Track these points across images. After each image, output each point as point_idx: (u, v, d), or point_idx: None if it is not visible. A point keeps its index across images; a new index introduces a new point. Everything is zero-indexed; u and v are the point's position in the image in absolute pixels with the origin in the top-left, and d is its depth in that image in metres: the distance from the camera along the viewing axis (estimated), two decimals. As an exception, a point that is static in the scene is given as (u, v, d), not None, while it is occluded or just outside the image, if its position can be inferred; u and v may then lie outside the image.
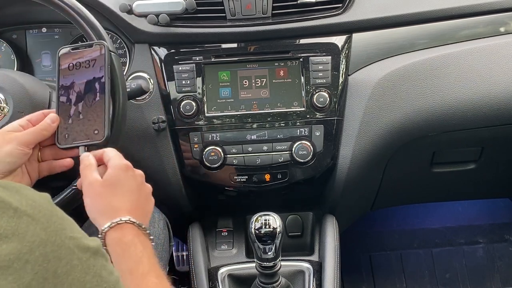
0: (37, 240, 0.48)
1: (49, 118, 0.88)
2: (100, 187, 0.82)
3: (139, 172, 0.88)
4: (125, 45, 1.27)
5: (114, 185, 0.83)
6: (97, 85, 0.89)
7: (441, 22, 1.27)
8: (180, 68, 1.22)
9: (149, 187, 0.89)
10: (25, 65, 1.33)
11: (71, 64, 0.92)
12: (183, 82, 1.22)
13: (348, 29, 1.24)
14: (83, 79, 0.90)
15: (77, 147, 0.88)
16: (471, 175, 1.49)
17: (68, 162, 0.92)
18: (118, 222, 0.79)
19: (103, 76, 0.89)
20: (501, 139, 1.37)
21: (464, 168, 1.47)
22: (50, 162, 0.91)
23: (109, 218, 0.79)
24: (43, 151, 0.90)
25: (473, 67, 1.24)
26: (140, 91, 1.16)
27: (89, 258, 0.54)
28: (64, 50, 0.93)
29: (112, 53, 0.98)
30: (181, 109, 1.21)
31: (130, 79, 1.23)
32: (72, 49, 0.93)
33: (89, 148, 0.89)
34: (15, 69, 1.30)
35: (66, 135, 0.89)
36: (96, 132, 0.88)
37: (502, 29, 1.28)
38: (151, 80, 1.23)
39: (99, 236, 0.79)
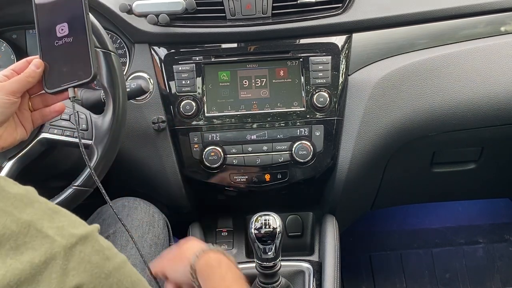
0: (7, 232, 0.48)
1: (33, 64, 0.86)
2: (168, 253, 0.91)
3: None
4: (125, 45, 1.27)
5: (179, 248, 0.89)
6: (77, 24, 0.87)
7: (441, 22, 1.27)
8: (180, 68, 1.22)
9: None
10: (25, 65, 1.32)
11: (48, 7, 0.89)
12: (183, 82, 1.22)
13: (348, 29, 1.24)
14: (62, 19, 0.88)
15: (66, 89, 0.86)
16: (471, 175, 1.49)
17: (59, 106, 0.91)
18: (204, 250, 0.83)
19: (82, 13, 0.87)
20: (501, 139, 1.37)
21: (464, 168, 1.47)
22: (42, 110, 0.91)
23: (193, 254, 0.83)
24: (33, 100, 0.90)
25: (473, 67, 1.24)
26: (140, 91, 1.16)
27: (75, 245, 0.53)
28: None
29: (112, 53, 0.98)
30: (181, 109, 1.21)
31: (130, 79, 1.23)
32: None
33: (78, 88, 0.88)
34: (15, 69, 1.30)
35: (53, 79, 0.87)
36: (82, 71, 0.86)
37: (502, 29, 1.28)
38: (151, 80, 1.23)
39: (191, 271, 0.81)
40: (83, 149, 0.88)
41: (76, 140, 1.00)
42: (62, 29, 0.87)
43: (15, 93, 0.84)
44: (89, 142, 0.99)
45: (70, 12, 0.88)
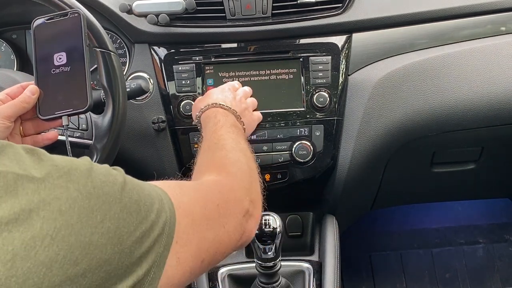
0: (29, 191, 0.48)
1: (29, 90, 0.87)
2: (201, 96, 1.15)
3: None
4: (125, 45, 1.27)
5: (211, 91, 1.11)
6: (75, 54, 0.88)
7: (441, 22, 1.27)
8: (180, 68, 1.22)
9: (257, 115, 1.18)
10: (25, 65, 1.33)
11: (47, 35, 0.90)
12: (183, 82, 1.22)
13: (348, 29, 1.24)
14: (61, 49, 0.88)
15: (60, 117, 0.87)
16: (471, 175, 1.49)
17: (52, 134, 0.92)
18: (208, 105, 1.03)
19: (80, 44, 0.88)
20: (501, 139, 1.37)
21: (464, 168, 1.47)
22: (34, 137, 0.91)
23: (205, 105, 1.04)
24: (24, 125, 0.89)
25: (473, 67, 1.24)
26: (140, 91, 1.16)
27: (86, 183, 0.53)
28: (38, 21, 0.91)
29: (112, 53, 0.98)
30: (181, 109, 1.21)
31: (130, 79, 1.23)
32: (47, 20, 0.91)
33: (72, 117, 0.89)
34: (15, 69, 1.30)
35: (48, 106, 0.87)
36: (78, 101, 0.86)
37: (502, 29, 1.28)
38: (151, 80, 1.23)
39: (197, 117, 1.05)
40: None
41: (76, 140, 1.00)
42: (60, 58, 0.88)
43: (9, 117, 0.84)
44: (89, 142, 0.99)
45: (69, 42, 0.88)
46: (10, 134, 0.86)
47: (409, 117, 1.23)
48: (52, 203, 0.48)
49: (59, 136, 1.00)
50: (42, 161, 0.51)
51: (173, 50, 1.23)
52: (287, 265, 1.17)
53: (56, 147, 1.07)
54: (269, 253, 1.01)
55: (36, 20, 0.91)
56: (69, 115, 0.87)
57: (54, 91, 0.88)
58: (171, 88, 1.22)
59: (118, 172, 0.58)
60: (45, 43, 0.89)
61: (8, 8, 1.27)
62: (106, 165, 0.58)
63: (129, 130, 1.21)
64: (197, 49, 1.23)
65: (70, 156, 0.86)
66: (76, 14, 0.89)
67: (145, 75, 1.24)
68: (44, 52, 0.89)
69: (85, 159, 0.56)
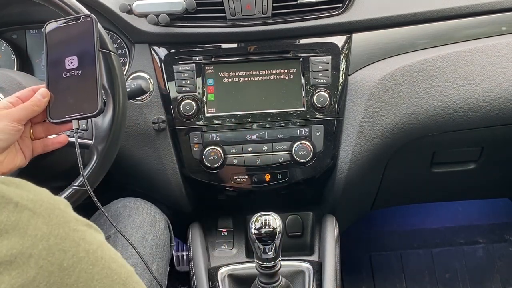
0: (39, 234, 0.47)
1: (40, 94, 0.87)
2: None
3: None
4: (125, 45, 1.27)
5: None
6: (87, 58, 0.88)
7: (441, 22, 1.27)
8: (180, 68, 1.22)
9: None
10: (25, 65, 1.33)
11: (59, 39, 0.90)
12: (183, 82, 1.22)
13: (348, 29, 1.24)
14: (72, 52, 0.89)
15: (70, 120, 0.87)
16: (471, 175, 1.49)
17: (62, 138, 0.92)
18: None
19: (92, 48, 0.88)
20: (501, 139, 1.37)
21: (464, 168, 1.47)
22: (44, 140, 0.91)
23: None
24: (35, 128, 0.90)
25: (473, 67, 1.24)
26: (140, 91, 1.16)
27: (96, 250, 0.52)
28: (51, 24, 0.91)
29: (112, 53, 0.98)
30: (181, 109, 1.21)
31: (130, 79, 1.23)
32: (60, 24, 0.91)
33: (82, 120, 0.89)
34: (15, 69, 1.30)
35: (58, 109, 0.88)
36: (88, 104, 0.87)
37: (502, 29, 1.28)
38: (151, 80, 1.23)
39: None
40: (83, 172, 0.89)
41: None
42: (71, 62, 0.88)
43: (20, 120, 0.84)
44: (89, 142, 0.99)
45: (81, 47, 0.89)
46: (20, 137, 0.86)
47: (409, 117, 1.23)
48: (56, 255, 0.46)
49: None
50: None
51: (173, 50, 1.23)
52: (287, 265, 1.17)
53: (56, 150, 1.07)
54: (269, 253, 1.01)
55: (48, 24, 0.91)
56: (79, 119, 0.88)
57: (64, 95, 0.88)
58: (171, 88, 1.22)
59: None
60: (57, 47, 0.90)
61: (8, 8, 1.27)
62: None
63: (129, 130, 1.21)
64: (197, 49, 1.23)
65: (79, 159, 0.87)
66: (88, 18, 0.90)
67: (145, 75, 1.24)
68: (56, 56, 0.89)
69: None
